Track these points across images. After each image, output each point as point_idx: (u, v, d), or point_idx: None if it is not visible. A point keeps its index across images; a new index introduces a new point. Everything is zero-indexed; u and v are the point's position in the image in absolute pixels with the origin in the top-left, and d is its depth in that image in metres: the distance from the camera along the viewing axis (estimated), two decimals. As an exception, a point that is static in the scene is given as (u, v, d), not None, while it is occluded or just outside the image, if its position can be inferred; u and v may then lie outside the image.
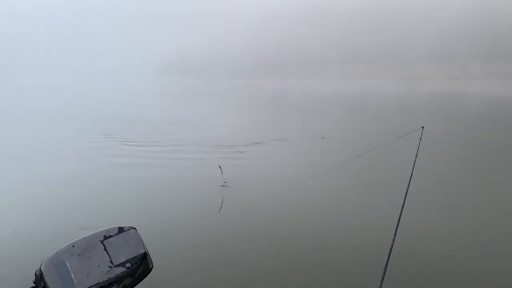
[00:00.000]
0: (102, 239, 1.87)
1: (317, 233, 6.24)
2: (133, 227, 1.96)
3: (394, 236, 3.23)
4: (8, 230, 6.21)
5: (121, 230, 1.93)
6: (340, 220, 6.82)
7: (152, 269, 1.99)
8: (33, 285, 1.78)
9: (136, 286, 1.97)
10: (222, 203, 7.67)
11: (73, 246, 1.81)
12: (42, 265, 1.76)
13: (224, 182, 8.80)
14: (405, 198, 3.98)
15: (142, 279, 1.96)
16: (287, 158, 12.70)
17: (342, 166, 9.89)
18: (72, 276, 1.74)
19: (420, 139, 6.35)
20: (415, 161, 5.32)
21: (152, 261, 1.98)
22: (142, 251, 1.90)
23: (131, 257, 1.87)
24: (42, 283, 1.73)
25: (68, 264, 1.76)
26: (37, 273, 1.77)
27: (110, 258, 1.82)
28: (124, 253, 1.86)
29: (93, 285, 1.75)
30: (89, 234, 1.88)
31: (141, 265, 1.90)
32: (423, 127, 6.74)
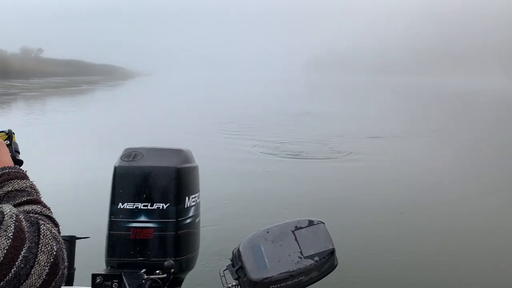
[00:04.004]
0: (293, 229, 1.90)
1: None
2: (322, 221, 1.95)
3: None
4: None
5: (311, 223, 1.93)
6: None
7: (336, 267, 1.95)
8: (230, 262, 1.90)
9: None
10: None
11: (268, 232, 1.87)
12: (241, 245, 1.86)
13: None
14: None
15: (326, 275, 1.93)
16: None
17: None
18: (266, 260, 1.80)
19: None
20: None
21: (337, 258, 1.93)
22: (330, 246, 1.87)
23: (319, 251, 1.85)
24: (239, 262, 1.83)
25: (262, 248, 1.83)
26: (234, 252, 1.88)
27: (300, 248, 1.84)
28: (313, 246, 1.85)
29: (284, 273, 1.78)
30: (282, 222, 1.93)
31: (328, 260, 1.87)
32: None
